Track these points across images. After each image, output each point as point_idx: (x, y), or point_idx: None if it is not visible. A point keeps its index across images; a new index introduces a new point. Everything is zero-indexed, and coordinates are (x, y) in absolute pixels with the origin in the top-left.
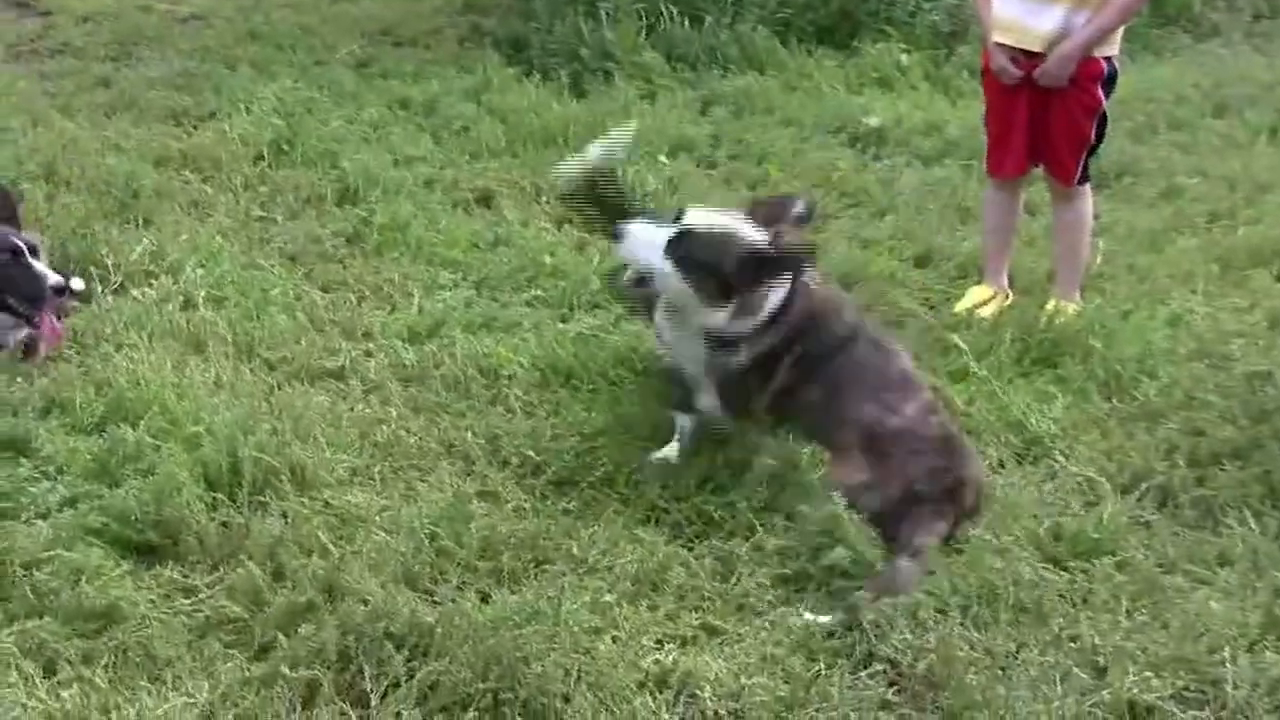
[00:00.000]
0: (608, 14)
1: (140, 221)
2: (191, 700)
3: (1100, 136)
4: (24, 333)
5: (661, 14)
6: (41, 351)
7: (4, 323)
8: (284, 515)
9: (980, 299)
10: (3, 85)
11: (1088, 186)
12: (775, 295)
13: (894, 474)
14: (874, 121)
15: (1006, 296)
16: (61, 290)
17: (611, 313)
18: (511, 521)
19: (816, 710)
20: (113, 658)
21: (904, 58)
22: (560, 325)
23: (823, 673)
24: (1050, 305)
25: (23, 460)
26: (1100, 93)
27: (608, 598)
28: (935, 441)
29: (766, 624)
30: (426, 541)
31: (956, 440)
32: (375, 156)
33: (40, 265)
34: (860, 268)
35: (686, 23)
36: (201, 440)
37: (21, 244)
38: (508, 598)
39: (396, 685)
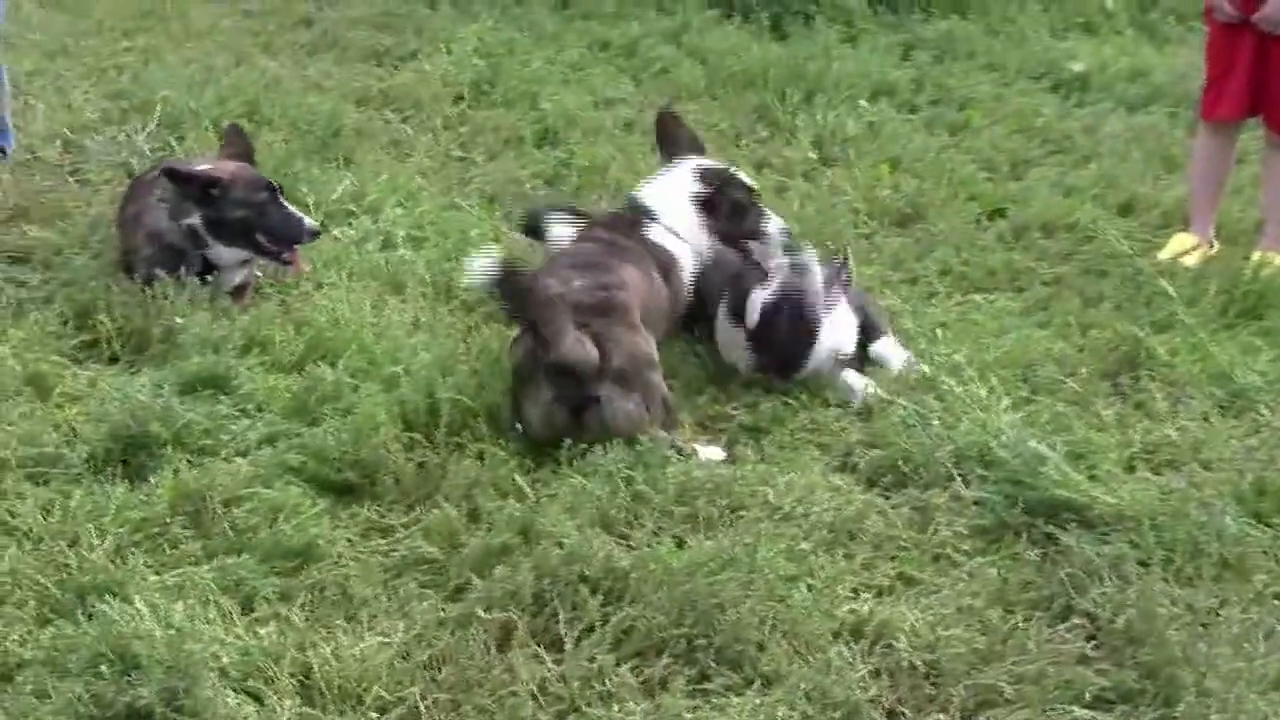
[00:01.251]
0: None
1: (341, 161)
2: (387, 640)
3: None
4: (246, 272)
5: None
6: (248, 296)
7: (231, 259)
8: (480, 456)
9: (1184, 247)
10: (207, 24)
11: None
12: None
13: None
14: (1078, 67)
15: (1211, 246)
16: (317, 234)
17: None
18: (707, 467)
19: (1013, 663)
20: (309, 596)
21: (1109, 2)
22: None
23: (1019, 625)
24: (1256, 256)
25: (222, 397)
26: None
27: (803, 545)
28: None
29: (964, 575)
30: (623, 486)
31: None
32: (575, 98)
33: (292, 207)
34: (1062, 214)
35: None
36: (399, 381)
37: (276, 184)
38: (703, 543)
39: (590, 630)
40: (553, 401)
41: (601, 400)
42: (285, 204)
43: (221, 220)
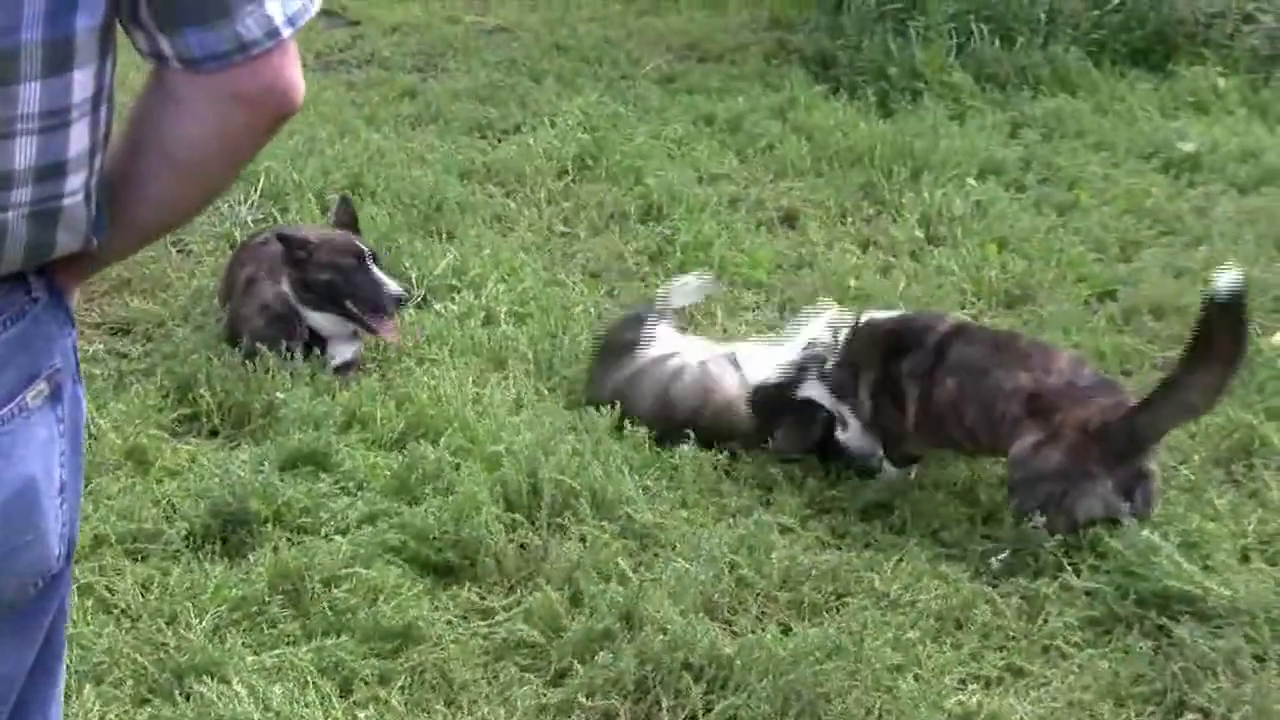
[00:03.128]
0: (917, 32)
1: (443, 234)
2: None
3: None
4: (355, 349)
5: (972, 33)
6: (352, 372)
7: (331, 328)
8: (582, 539)
9: None
10: (311, 94)
11: None
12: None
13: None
14: (1189, 147)
15: None
16: (401, 300)
17: None
18: (813, 552)
19: None
20: (408, 679)
21: (1221, 81)
22: None
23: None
24: None
25: (322, 475)
26: None
27: (910, 634)
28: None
29: (1075, 667)
30: (726, 570)
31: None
32: (679, 173)
33: (381, 274)
34: (1173, 297)
35: (997, 42)
36: (501, 460)
37: (367, 250)
38: (808, 630)
39: (694, 718)
40: (1113, 491)
41: (1150, 476)
42: (373, 270)
43: (307, 283)
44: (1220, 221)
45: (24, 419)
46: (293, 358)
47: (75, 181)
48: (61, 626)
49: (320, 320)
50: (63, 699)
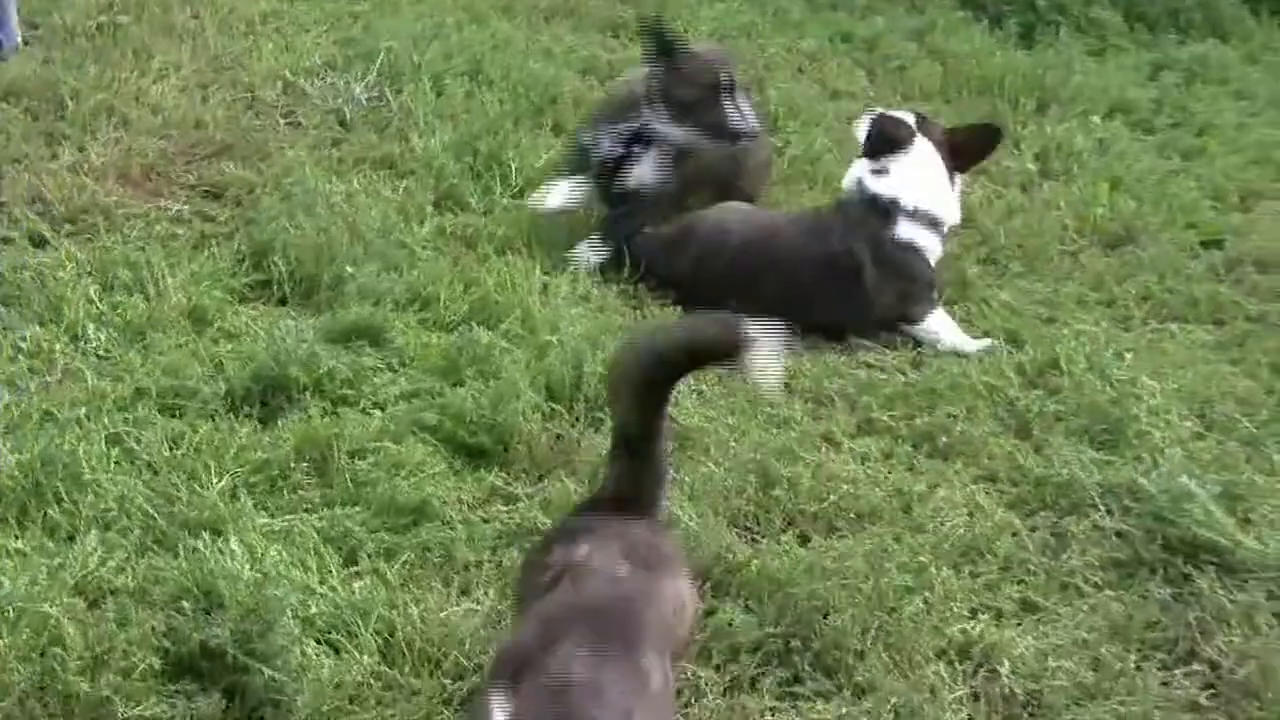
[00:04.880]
0: None
1: (551, 127)
2: (476, 607)
3: None
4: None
5: None
6: None
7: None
8: (606, 432)
9: None
10: None
11: None
12: None
13: None
14: None
15: None
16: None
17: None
18: (851, 469)
19: (1119, 703)
20: (413, 555)
21: None
22: None
23: (1135, 665)
24: None
25: (372, 350)
26: None
27: (925, 558)
28: None
29: (1088, 606)
30: (755, 479)
31: None
32: (805, 88)
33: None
34: (1268, 256)
35: None
36: (550, 350)
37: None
38: (824, 544)
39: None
40: None
41: None
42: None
43: None
44: None
45: None
46: None
47: None
48: None
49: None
50: None
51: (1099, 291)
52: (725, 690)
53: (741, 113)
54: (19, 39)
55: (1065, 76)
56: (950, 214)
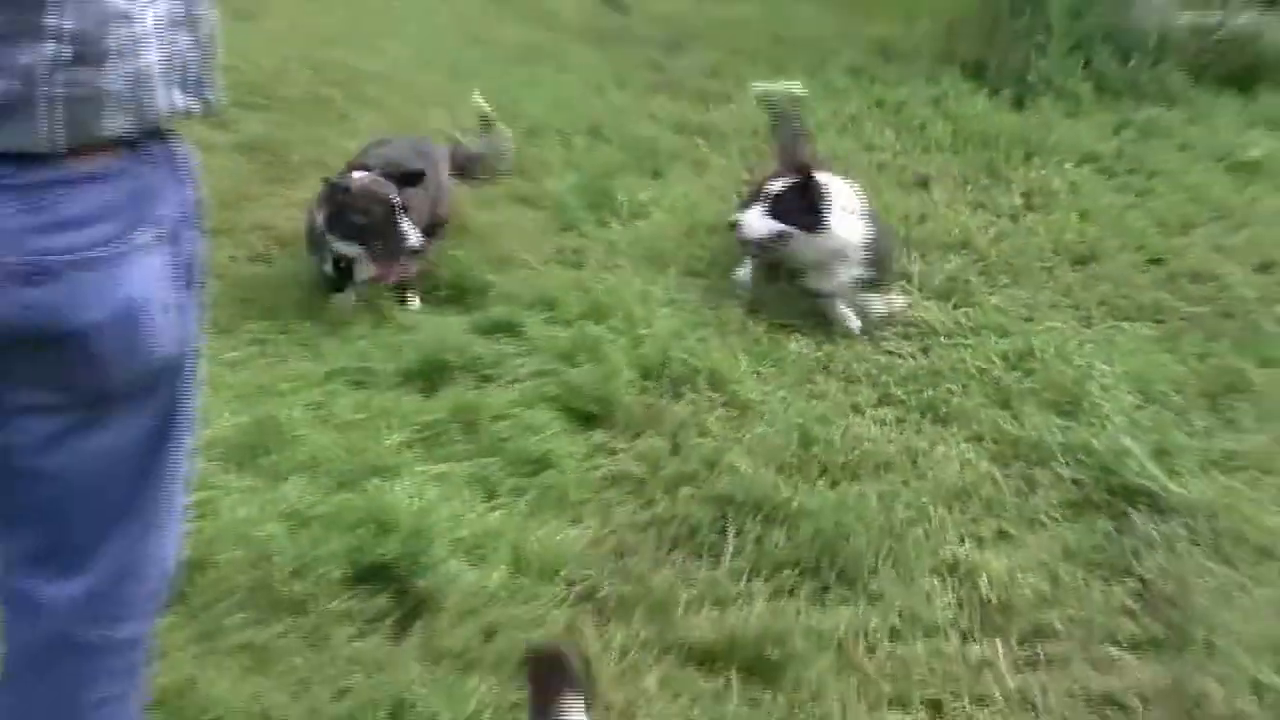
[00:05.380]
0: (1043, 48)
1: (653, 173)
2: (586, 529)
3: None
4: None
5: (1097, 57)
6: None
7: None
8: (692, 404)
9: None
10: (581, 62)
11: None
12: None
13: None
14: (1254, 154)
15: None
16: (417, 251)
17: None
18: (872, 430)
19: (1069, 608)
20: (537, 494)
21: None
22: None
23: (1083, 580)
24: None
25: (507, 340)
26: None
27: (925, 500)
28: None
29: (1049, 536)
30: (796, 437)
31: None
32: (845, 142)
33: (407, 225)
34: (1211, 268)
35: (1115, 60)
36: (644, 340)
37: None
38: (848, 488)
39: (754, 540)
40: None
41: None
42: (400, 221)
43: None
44: (1264, 214)
45: (134, 253)
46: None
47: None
48: (178, 410)
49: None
50: (187, 460)
51: (1068, 298)
52: (770, 596)
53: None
54: None
55: (1046, 133)
56: None
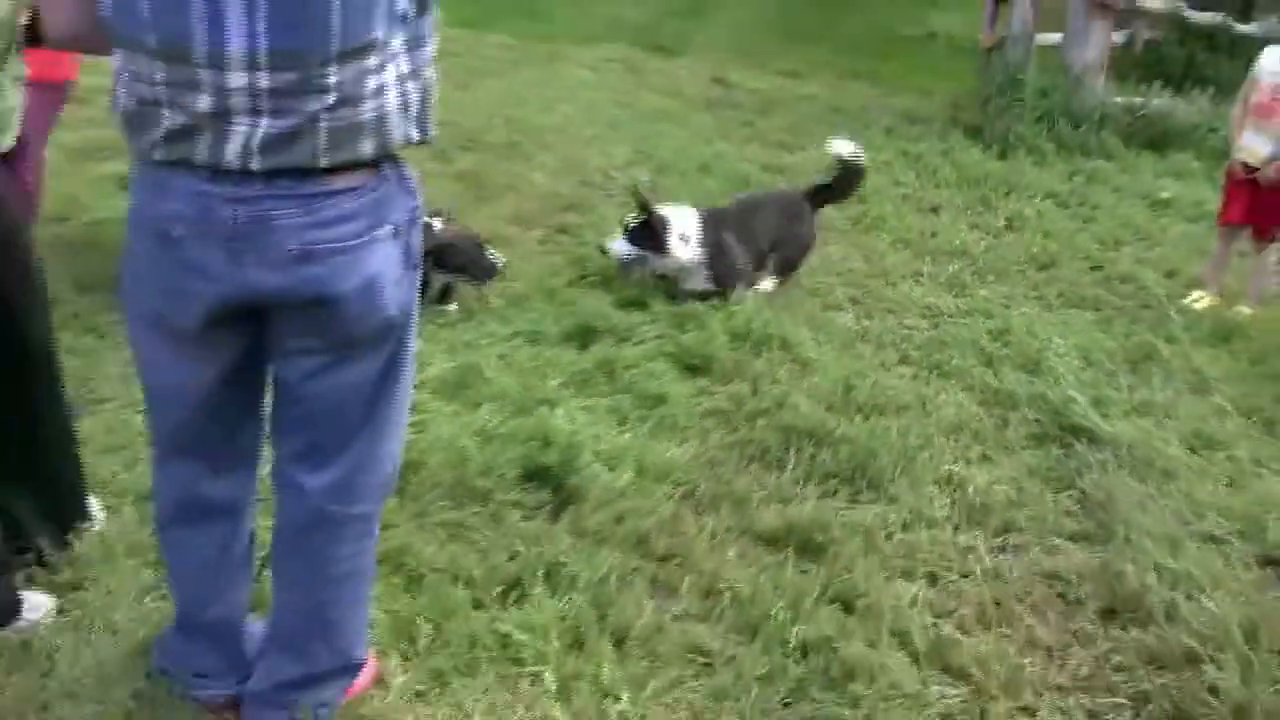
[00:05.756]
0: (1021, 116)
1: None
2: (689, 447)
3: None
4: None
5: (1057, 125)
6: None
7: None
8: (768, 360)
9: (1197, 297)
10: (696, 121)
11: None
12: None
13: None
14: (1166, 194)
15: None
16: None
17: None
18: (895, 382)
19: (1028, 509)
20: (655, 422)
21: (1194, 162)
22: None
23: (1039, 490)
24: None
25: (638, 312)
26: None
27: (932, 431)
28: None
29: (1017, 460)
30: (840, 386)
31: None
32: (880, 179)
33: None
34: (1133, 273)
35: (1070, 127)
36: (738, 313)
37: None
38: (877, 423)
39: (809, 457)
40: None
41: None
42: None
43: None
44: (1173, 237)
45: (375, 243)
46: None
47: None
48: (401, 354)
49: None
50: (408, 389)
51: (1035, 291)
52: (819, 497)
53: None
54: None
55: (1021, 176)
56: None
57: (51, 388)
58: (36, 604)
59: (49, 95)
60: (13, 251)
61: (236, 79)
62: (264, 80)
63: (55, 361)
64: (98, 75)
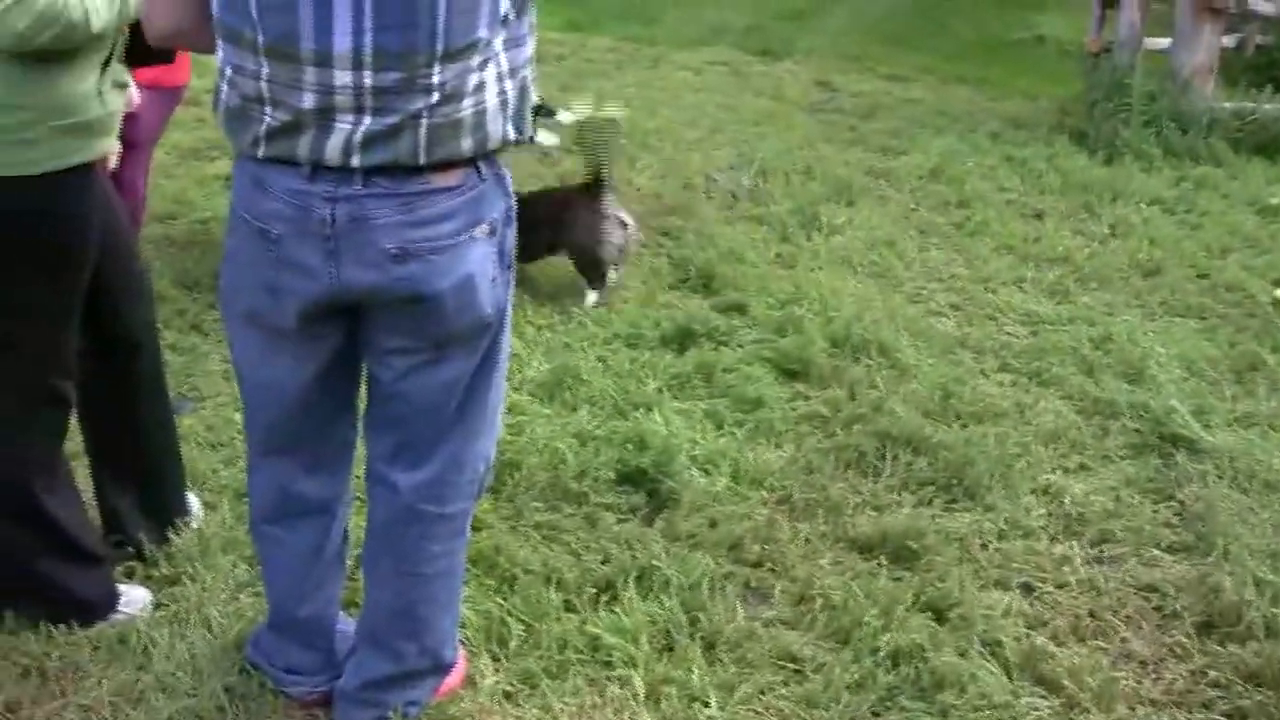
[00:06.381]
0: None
1: (846, 203)
2: (785, 452)
3: None
4: None
5: (1165, 130)
6: None
7: None
8: (866, 366)
9: None
10: (800, 124)
11: None
12: None
13: None
14: (1275, 201)
15: None
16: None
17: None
18: (992, 388)
19: (1125, 520)
20: (751, 426)
21: None
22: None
23: (1137, 500)
24: None
25: (737, 316)
26: None
27: (1030, 440)
28: None
29: (1115, 469)
30: (938, 392)
31: None
32: (985, 184)
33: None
34: (1241, 281)
35: (1178, 132)
36: (835, 319)
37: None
38: (973, 430)
39: (905, 465)
40: None
41: None
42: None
43: None
44: None
45: (472, 242)
46: None
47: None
48: (495, 353)
49: None
50: (500, 388)
51: (1138, 299)
52: (914, 505)
53: None
54: None
55: (1128, 182)
56: None
57: (155, 385)
58: (134, 598)
59: (163, 99)
60: (118, 256)
61: (342, 77)
62: (369, 79)
63: (159, 360)
64: (210, 76)
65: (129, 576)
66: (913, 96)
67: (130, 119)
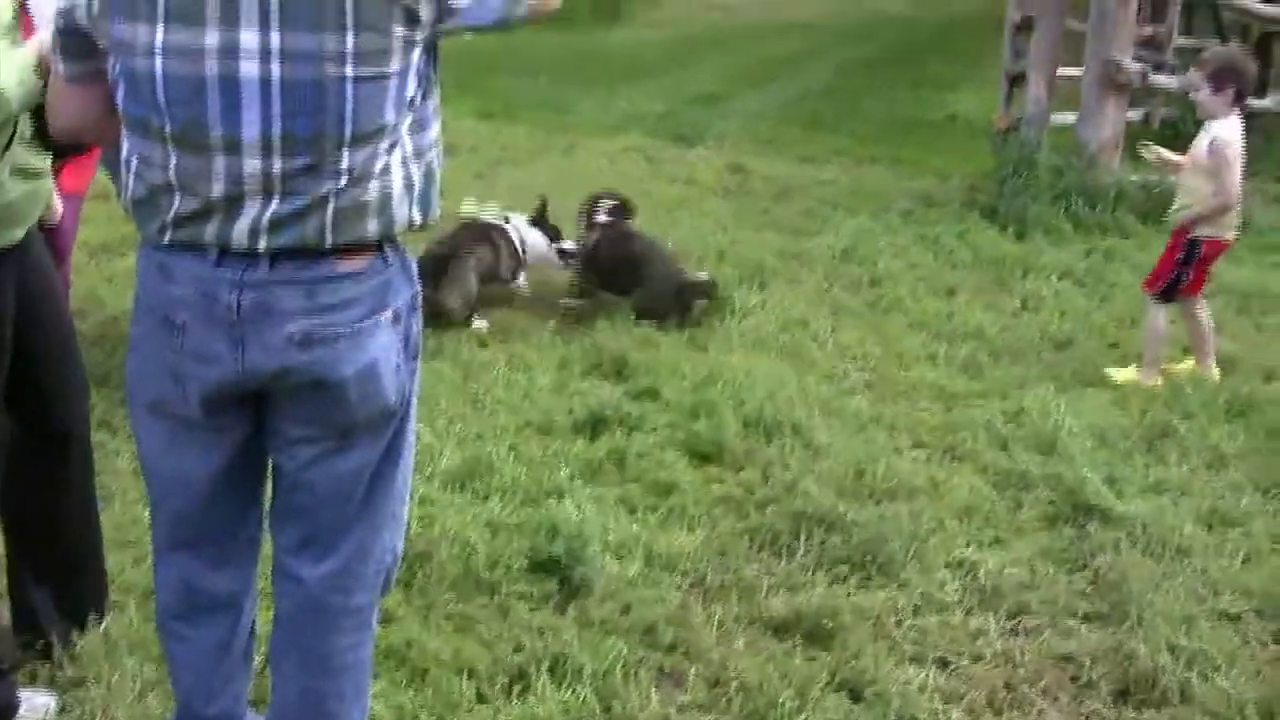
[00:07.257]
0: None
1: (759, 285)
2: (699, 535)
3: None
4: None
5: (1073, 203)
6: None
7: None
8: (779, 446)
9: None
10: (712, 208)
11: None
12: None
13: None
14: None
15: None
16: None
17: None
18: (914, 464)
19: (1042, 591)
20: (664, 511)
21: None
22: None
23: (1052, 571)
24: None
25: (649, 401)
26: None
27: (941, 515)
28: None
29: (1029, 541)
30: (852, 470)
31: None
32: (897, 263)
33: None
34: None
35: (1086, 206)
36: (748, 402)
37: None
38: (888, 506)
39: (809, 551)
40: None
41: None
42: None
43: None
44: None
45: (376, 328)
46: None
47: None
48: (400, 442)
49: None
50: (408, 478)
51: (1050, 372)
52: (828, 583)
53: None
54: None
55: (1038, 256)
56: None
57: (84, 477)
58: (37, 704)
59: (77, 203)
60: (56, 334)
61: (251, 164)
62: (278, 164)
63: (89, 452)
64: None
65: (32, 680)
66: (825, 178)
67: (53, 233)
